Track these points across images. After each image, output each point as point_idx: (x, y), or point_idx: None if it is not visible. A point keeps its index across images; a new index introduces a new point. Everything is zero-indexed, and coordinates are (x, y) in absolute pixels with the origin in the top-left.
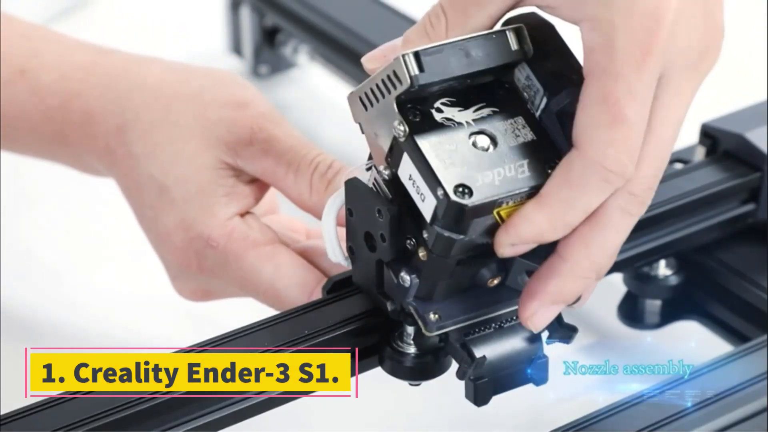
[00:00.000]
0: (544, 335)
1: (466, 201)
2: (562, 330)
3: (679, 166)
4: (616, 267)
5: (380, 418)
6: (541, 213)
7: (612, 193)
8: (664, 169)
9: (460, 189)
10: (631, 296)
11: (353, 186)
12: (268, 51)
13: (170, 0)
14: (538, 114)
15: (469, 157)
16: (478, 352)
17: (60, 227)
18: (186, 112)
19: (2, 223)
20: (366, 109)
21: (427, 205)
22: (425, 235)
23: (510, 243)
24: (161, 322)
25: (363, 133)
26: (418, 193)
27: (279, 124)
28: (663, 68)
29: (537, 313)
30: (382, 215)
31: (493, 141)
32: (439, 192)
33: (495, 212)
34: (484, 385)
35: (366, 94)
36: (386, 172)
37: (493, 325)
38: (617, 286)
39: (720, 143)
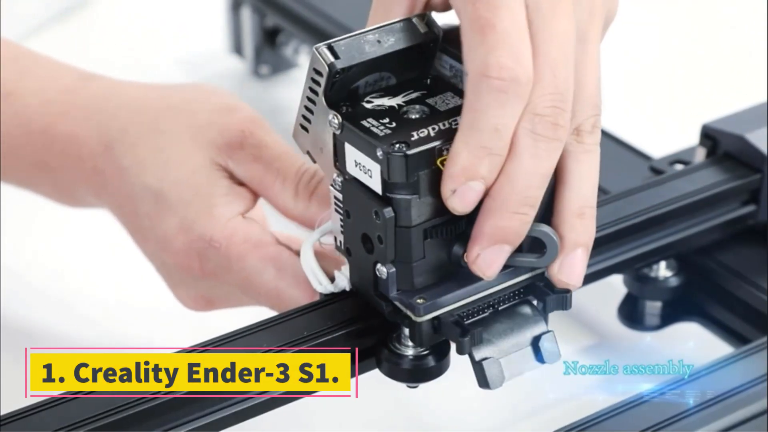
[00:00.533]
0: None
1: (405, 151)
2: (556, 296)
3: (679, 167)
4: (616, 268)
5: (380, 418)
6: (459, 145)
7: (520, 117)
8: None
9: (397, 145)
10: (632, 298)
11: (350, 188)
12: (268, 51)
13: (170, 0)
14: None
15: (403, 125)
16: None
17: (60, 227)
18: (175, 121)
19: (2, 224)
20: (307, 130)
21: (375, 179)
22: (386, 214)
23: (451, 189)
24: (161, 322)
25: (314, 162)
26: (365, 173)
27: (268, 131)
28: None
29: (481, 257)
30: (379, 217)
31: (425, 111)
32: (379, 153)
33: (438, 162)
34: (491, 365)
35: (301, 119)
36: (339, 180)
37: (488, 308)
38: (617, 287)
39: (720, 144)
